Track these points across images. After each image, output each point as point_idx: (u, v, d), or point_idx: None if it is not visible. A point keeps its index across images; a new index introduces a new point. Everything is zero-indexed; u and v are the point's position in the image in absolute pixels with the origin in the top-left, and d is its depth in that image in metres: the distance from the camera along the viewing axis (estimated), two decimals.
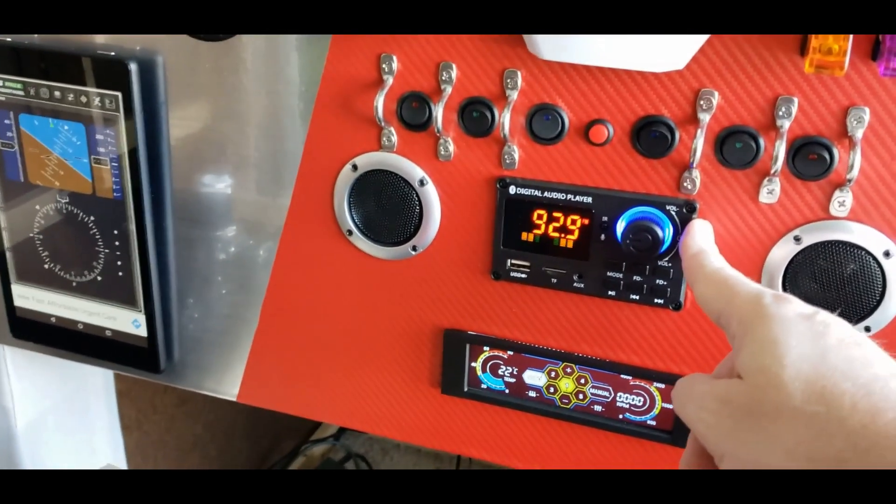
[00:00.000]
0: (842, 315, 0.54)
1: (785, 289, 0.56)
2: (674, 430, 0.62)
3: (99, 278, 0.75)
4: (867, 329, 0.54)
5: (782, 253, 0.55)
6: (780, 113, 0.52)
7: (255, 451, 1.57)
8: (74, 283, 0.76)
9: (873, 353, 0.38)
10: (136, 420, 1.15)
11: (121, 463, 1.08)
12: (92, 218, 0.73)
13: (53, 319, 0.79)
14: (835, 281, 0.54)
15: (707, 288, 0.46)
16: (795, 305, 0.41)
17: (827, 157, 0.52)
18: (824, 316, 0.40)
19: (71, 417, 1.02)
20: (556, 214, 0.60)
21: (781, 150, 0.52)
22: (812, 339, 0.38)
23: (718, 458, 0.40)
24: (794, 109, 0.52)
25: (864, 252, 0.53)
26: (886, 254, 0.53)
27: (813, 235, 0.54)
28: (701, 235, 0.54)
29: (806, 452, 0.36)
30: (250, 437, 1.54)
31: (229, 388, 0.77)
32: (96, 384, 1.04)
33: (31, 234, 0.76)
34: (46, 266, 0.77)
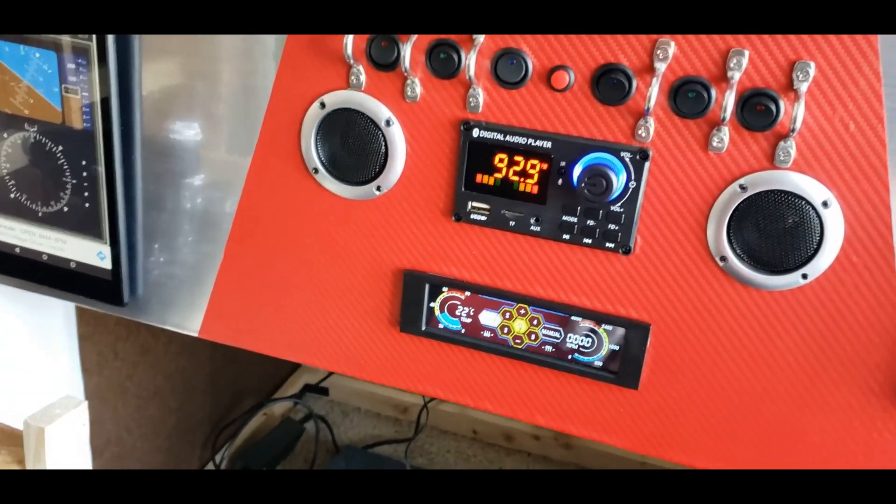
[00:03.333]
0: (781, 262, 0.58)
1: (729, 236, 0.59)
2: (619, 371, 0.65)
3: (65, 209, 0.76)
4: (804, 276, 0.57)
5: (728, 201, 0.58)
6: (732, 65, 0.55)
7: (215, 407, 1.58)
8: (40, 214, 0.77)
9: None
10: (98, 364, 1.16)
11: None
12: (60, 148, 0.73)
13: (18, 250, 0.80)
14: (776, 230, 0.57)
15: None
16: None
17: (773, 108, 0.54)
18: None
19: (32, 356, 1.03)
20: (516, 158, 0.62)
21: (731, 100, 0.55)
22: None
23: None
24: (745, 62, 0.54)
25: (804, 202, 0.56)
26: (825, 204, 0.56)
27: (757, 184, 0.57)
28: None
29: None
30: (212, 393, 1.56)
31: (192, 323, 0.78)
32: (58, 324, 1.05)
33: None
34: (12, 195, 0.77)
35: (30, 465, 0.76)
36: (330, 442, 1.77)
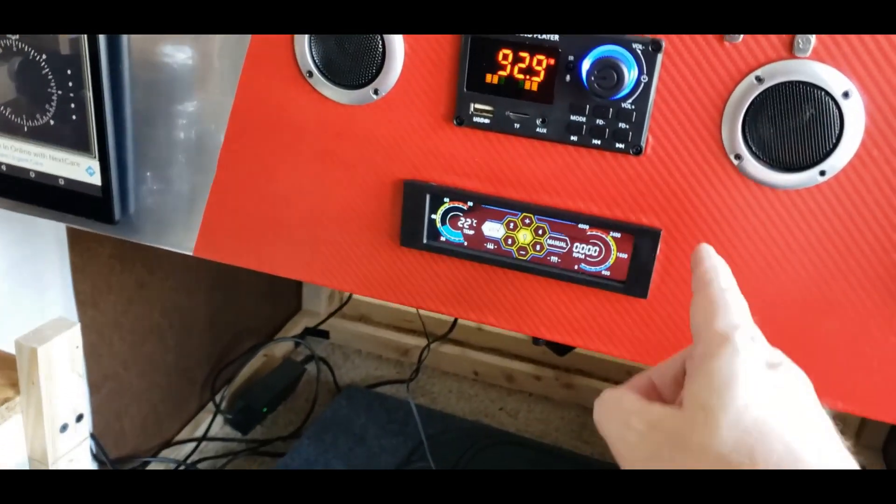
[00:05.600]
0: (798, 159, 0.55)
1: (744, 133, 0.56)
2: (627, 280, 0.63)
3: (52, 122, 0.73)
4: (822, 173, 0.55)
5: (744, 94, 0.55)
6: None
7: (214, 346, 1.57)
8: (26, 128, 0.74)
9: (824, 422, 0.38)
10: (92, 297, 1.14)
11: None
12: (44, 56, 0.70)
13: (4, 168, 0.77)
14: (793, 124, 0.55)
15: (701, 299, 0.45)
16: (766, 352, 0.40)
17: None
18: (791, 370, 0.40)
19: (24, 284, 1.01)
20: (521, 54, 0.59)
21: None
22: (768, 390, 0.38)
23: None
24: None
25: (823, 93, 0.53)
26: (846, 94, 0.53)
27: (775, 75, 0.54)
28: (720, 259, 0.49)
29: None
30: (210, 333, 1.54)
31: (187, 242, 0.76)
32: (50, 252, 1.03)
33: None
34: None
35: (23, 387, 0.74)
36: (331, 383, 1.76)
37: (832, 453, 0.37)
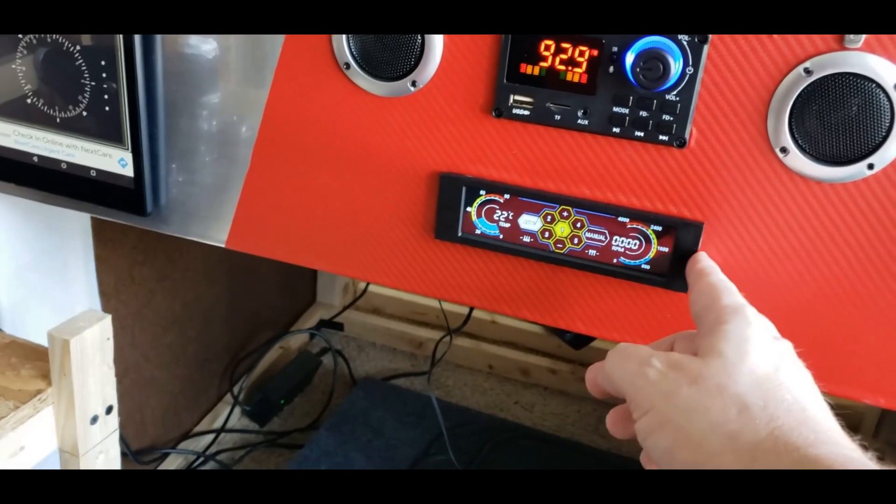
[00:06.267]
0: (846, 152, 0.55)
1: (791, 126, 0.55)
2: (668, 274, 0.63)
3: (84, 113, 0.72)
4: (870, 167, 0.54)
5: (791, 86, 0.54)
6: None
7: (234, 338, 1.57)
8: (58, 119, 0.74)
9: (812, 385, 0.44)
10: (115, 288, 1.14)
11: None
12: (78, 47, 0.70)
13: (36, 159, 0.77)
14: (842, 117, 0.54)
15: (704, 286, 0.51)
16: (769, 326, 0.47)
17: None
18: (786, 344, 0.46)
19: (49, 278, 1.01)
20: (563, 45, 0.59)
21: None
22: (776, 355, 0.44)
23: (641, 412, 0.43)
24: None
25: (874, 84, 0.53)
26: None
27: (824, 67, 0.53)
28: (712, 261, 0.58)
29: (729, 432, 0.39)
30: (230, 324, 1.54)
31: (218, 234, 0.76)
32: (75, 244, 1.03)
33: (13, 66, 0.73)
34: (29, 101, 0.74)
35: (55, 378, 0.74)
36: (347, 374, 1.76)
37: (832, 417, 0.42)
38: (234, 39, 0.68)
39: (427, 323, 1.91)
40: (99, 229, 1.06)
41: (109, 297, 1.13)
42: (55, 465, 0.77)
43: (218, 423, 1.53)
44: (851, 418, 1.58)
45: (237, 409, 1.57)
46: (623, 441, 0.47)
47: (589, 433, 1.65)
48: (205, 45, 0.69)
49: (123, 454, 1.24)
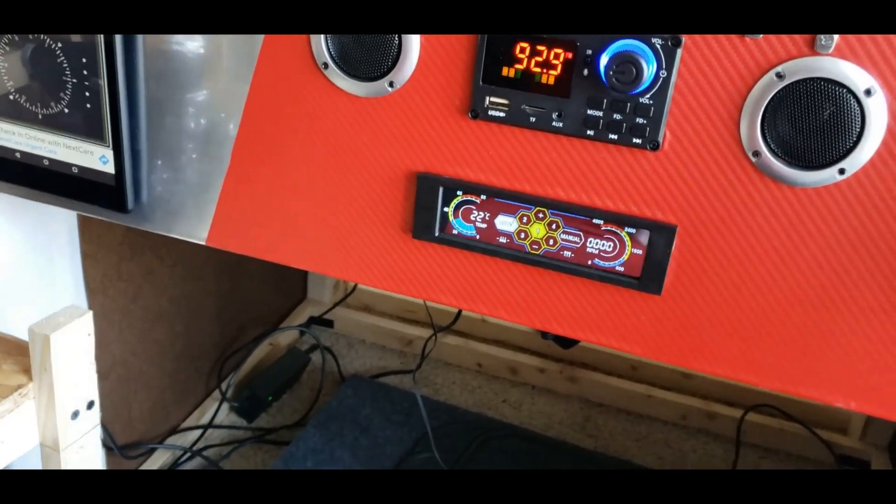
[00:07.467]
0: (817, 156, 0.55)
1: (763, 130, 0.56)
2: (641, 276, 0.63)
3: (66, 110, 0.73)
4: (841, 171, 0.55)
5: (763, 91, 0.55)
6: None
7: (222, 334, 1.58)
8: (41, 116, 0.74)
9: None
10: (101, 283, 1.14)
11: None
12: (59, 45, 0.70)
13: (18, 155, 0.77)
14: (813, 121, 0.54)
15: None
16: None
17: None
18: None
19: (36, 271, 1.01)
20: (539, 48, 0.59)
21: None
22: None
23: None
24: None
25: (845, 90, 0.53)
26: (868, 92, 0.53)
27: (796, 72, 0.54)
28: None
29: None
30: (218, 320, 1.54)
31: (199, 231, 0.76)
32: (61, 240, 1.03)
33: None
34: (11, 97, 0.74)
35: (35, 374, 0.74)
36: (336, 372, 1.77)
37: None
38: (215, 38, 0.68)
39: (417, 321, 1.91)
40: (86, 225, 1.06)
41: (96, 293, 1.13)
42: (36, 460, 0.77)
43: (206, 419, 1.53)
44: (839, 421, 1.59)
45: (225, 405, 1.57)
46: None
47: (576, 432, 1.66)
48: (186, 44, 0.69)
49: (109, 449, 1.24)
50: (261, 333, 1.71)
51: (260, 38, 0.66)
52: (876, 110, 0.53)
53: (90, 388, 0.78)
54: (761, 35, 0.54)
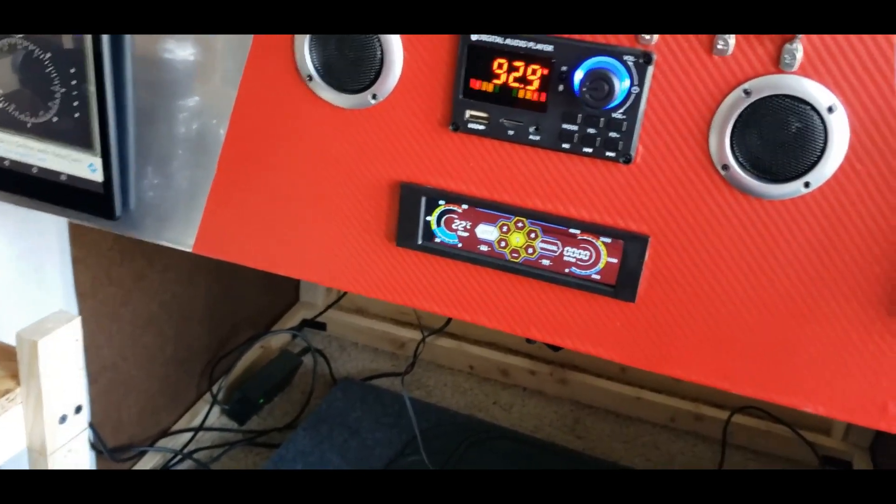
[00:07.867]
0: (783, 170, 0.57)
1: (732, 144, 0.57)
2: (617, 284, 0.65)
3: (55, 119, 0.74)
4: (806, 185, 0.56)
5: (731, 107, 0.56)
6: None
7: (213, 337, 1.59)
8: (29, 125, 0.75)
9: None
10: (92, 288, 1.15)
11: None
12: (48, 54, 0.71)
13: (7, 163, 0.78)
14: (779, 136, 0.56)
15: None
16: None
17: None
18: None
19: (25, 276, 1.02)
20: (516, 64, 0.60)
21: None
22: None
23: None
24: None
25: (809, 107, 0.55)
26: (830, 109, 0.54)
27: (762, 89, 0.55)
28: None
29: None
30: (209, 324, 1.56)
31: (186, 238, 0.77)
32: (51, 245, 1.04)
33: None
34: (1, 106, 0.75)
35: (23, 379, 0.76)
36: (327, 374, 1.78)
37: None
38: (203, 46, 0.69)
39: (410, 324, 1.92)
40: (76, 230, 1.07)
41: (86, 298, 1.15)
42: (23, 465, 0.79)
43: (197, 422, 1.54)
44: (822, 422, 1.61)
45: (216, 408, 1.58)
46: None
47: (565, 434, 1.67)
48: (175, 52, 0.70)
49: (99, 452, 1.25)
50: (252, 336, 1.72)
51: (249, 38, 0.67)
52: (838, 126, 0.54)
53: (78, 392, 0.79)
54: (730, 50, 0.55)
